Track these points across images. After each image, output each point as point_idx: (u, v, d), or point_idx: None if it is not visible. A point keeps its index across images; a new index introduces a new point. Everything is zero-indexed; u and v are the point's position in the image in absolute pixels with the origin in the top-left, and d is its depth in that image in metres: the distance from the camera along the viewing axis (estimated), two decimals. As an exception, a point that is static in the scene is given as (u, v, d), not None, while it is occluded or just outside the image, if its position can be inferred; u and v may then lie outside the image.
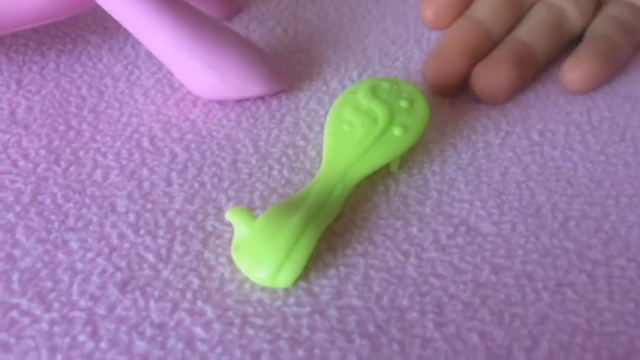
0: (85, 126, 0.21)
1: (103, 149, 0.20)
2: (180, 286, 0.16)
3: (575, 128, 0.21)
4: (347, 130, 0.18)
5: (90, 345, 0.14)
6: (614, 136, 0.21)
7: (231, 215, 0.16)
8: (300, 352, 0.14)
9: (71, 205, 0.18)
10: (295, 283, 0.16)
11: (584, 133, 0.21)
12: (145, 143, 0.20)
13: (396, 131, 0.18)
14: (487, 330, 0.15)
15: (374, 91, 0.19)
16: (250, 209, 0.18)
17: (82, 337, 0.14)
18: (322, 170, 0.18)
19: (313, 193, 0.17)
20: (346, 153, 0.18)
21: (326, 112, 0.21)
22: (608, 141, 0.21)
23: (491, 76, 0.21)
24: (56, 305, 0.15)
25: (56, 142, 0.20)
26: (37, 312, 0.15)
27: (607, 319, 0.15)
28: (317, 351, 0.14)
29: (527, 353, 0.15)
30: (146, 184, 0.19)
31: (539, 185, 0.19)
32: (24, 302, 0.15)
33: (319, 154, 0.20)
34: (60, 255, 0.16)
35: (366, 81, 0.20)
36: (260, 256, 0.15)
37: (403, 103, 0.19)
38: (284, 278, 0.15)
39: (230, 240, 0.17)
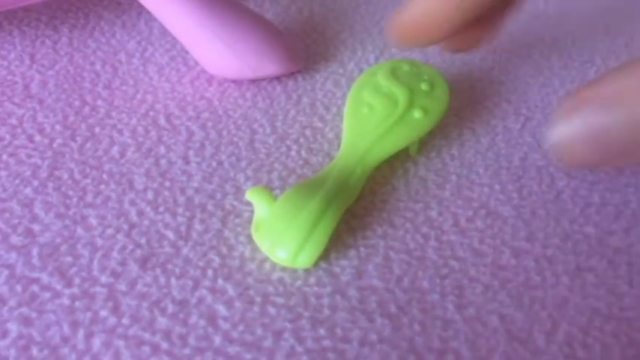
0: (99, 102, 0.20)
1: (118, 126, 0.19)
2: (200, 264, 0.16)
3: (594, 114, 0.21)
4: (367, 112, 0.18)
5: (112, 320, 0.14)
6: (632, 124, 0.21)
7: (251, 195, 0.16)
8: (322, 331, 0.14)
9: (89, 181, 0.17)
10: (315, 263, 0.16)
11: (603, 119, 0.21)
12: (161, 121, 0.20)
13: (417, 114, 0.18)
14: (507, 313, 0.15)
15: (394, 73, 0.19)
16: (270, 189, 0.18)
17: (103, 313, 0.14)
18: (342, 152, 0.18)
19: (333, 175, 0.17)
20: (366, 135, 0.18)
21: (343, 94, 0.21)
22: (627, 128, 0.21)
23: None
24: (77, 280, 0.15)
25: (71, 118, 0.20)
26: (58, 287, 0.15)
27: (627, 305, 0.15)
28: (338, 330, 0.14)
29: (547, 336, 0.15)
30: (163, 162, 0.18)
31: (559, 171, 0.19)
32: (44, 277, 0.15)
33: (337, 135, 0.20)
34: (79, 230, 0.16)
35: (385, 63, 0.20)
36: (281, 236, 0.15)
37: (424, 86, 0.19)
38: (305, 259, 0.15)
39: (249, 219, 0.17)
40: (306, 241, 0.15)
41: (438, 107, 0.18)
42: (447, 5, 0.15)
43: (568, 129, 0.15)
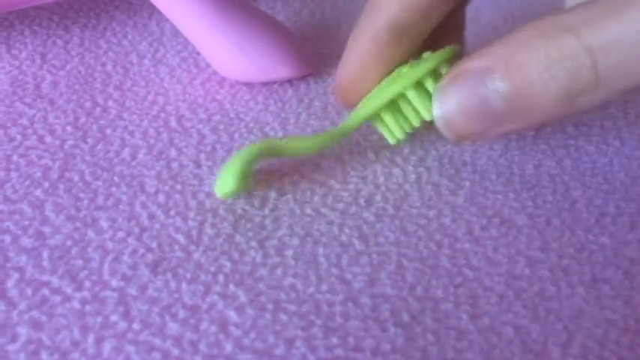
0: (111, 103, 0.20)
1: (130, 127, 0.19)
2: (212, 269, 0.15)
3: (610, 123, 0.21)
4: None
5: (122, 325, 0.14)
6: (648, 132, 0.21)
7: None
8: (334, 340, 0.14)
9: (100, 183, 0.17)
10: (327, 270, 0.16)
11: (619, 127, 0.21)
12: (173, 123, 0.20)
13: (404, 69, 0.18)
14: (522, 324, 0.15)
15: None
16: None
17: (114, 317, 0.14)
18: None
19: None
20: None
21: (355, 98, 0.21)
22: (643, 137, 0.20)
23: None
24: (87, 284, 0.15)
25: (83, 119, 0.19)
26: (68, 290, 0.15)
27: (643, 317, 0.15)
28: (351, 339, 0.14)
29: (562, 348, 0.14)
30: (175, 165, 0.18)
31: (573, 180, 0.19)
32: (55, 280, 0.15)
33: (349, 140, 0.20)
34: (90, 233, 0.16)
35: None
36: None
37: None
38: (225, 183, 0.16)
39: (261, 224, 0.17)
40: (226, 168, 0.16)
41: (432, 56, 0.17)
42: (378, 58, 0.17)
43: (447, 104, 0.15)
